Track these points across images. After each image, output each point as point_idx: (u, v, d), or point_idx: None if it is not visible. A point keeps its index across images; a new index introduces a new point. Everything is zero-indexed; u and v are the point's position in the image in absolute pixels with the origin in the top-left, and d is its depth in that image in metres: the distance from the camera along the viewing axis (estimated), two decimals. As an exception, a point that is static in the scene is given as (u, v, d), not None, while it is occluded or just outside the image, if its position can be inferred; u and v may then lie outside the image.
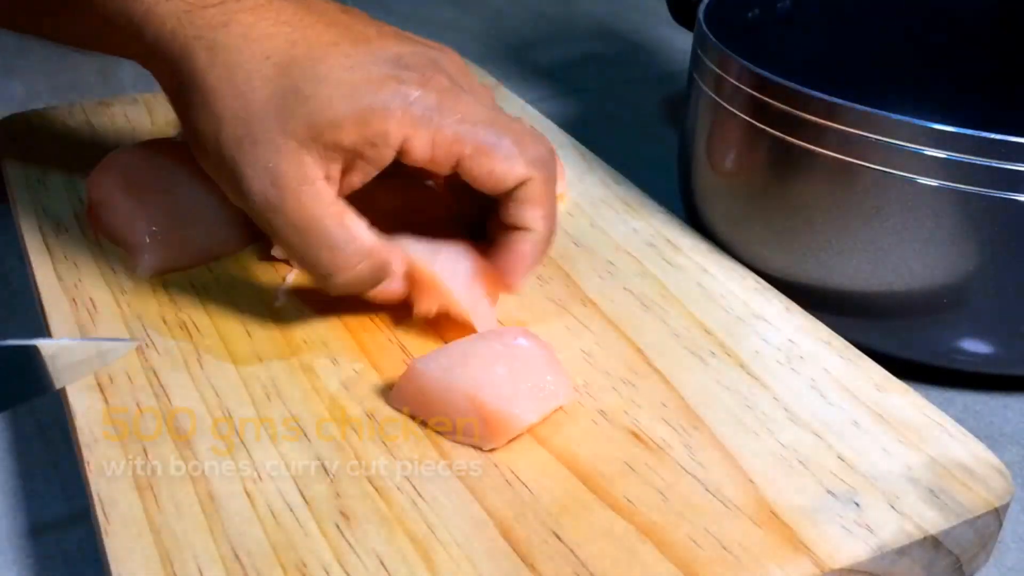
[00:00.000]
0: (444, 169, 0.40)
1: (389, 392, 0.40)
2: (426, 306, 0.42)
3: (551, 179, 0.41)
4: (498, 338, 0.40)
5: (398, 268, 0.42)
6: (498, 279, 0.43)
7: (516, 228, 0.42)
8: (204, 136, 0.39)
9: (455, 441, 0.38)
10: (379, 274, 0.41)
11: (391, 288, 0.42)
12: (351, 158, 0.39)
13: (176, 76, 0.39)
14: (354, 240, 0.39)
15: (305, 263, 0.40)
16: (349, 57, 0.38)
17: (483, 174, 0.40)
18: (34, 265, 0.47)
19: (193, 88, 0.39)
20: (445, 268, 0.42)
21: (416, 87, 0.38)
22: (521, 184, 0.40)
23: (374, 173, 0.40)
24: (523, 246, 0.42)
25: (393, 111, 0.38)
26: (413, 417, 0.39)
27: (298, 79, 0.38)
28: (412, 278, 0.42)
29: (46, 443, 0.43)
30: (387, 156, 0.39)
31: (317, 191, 0.38)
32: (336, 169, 0.39)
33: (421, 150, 0.39)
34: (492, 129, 0.40)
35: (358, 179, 0.40)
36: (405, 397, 0.39)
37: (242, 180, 0.39)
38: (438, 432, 0.38)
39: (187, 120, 0.40)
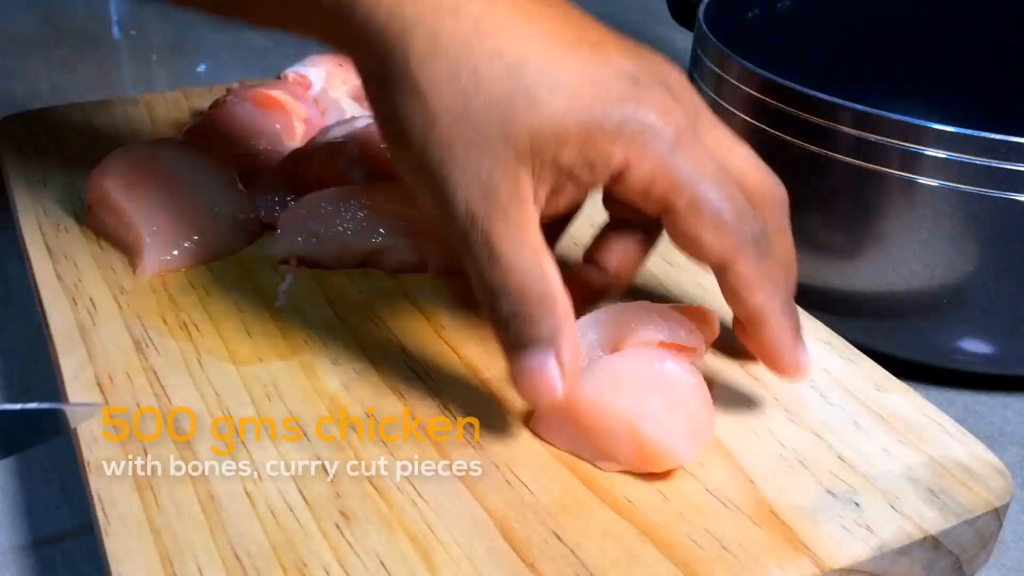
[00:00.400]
0: (651, 211, 0.36)
1: (388, 394, 0.40)
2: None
3: (763, 258, 0.36)
4: (643, 361, 0.37)
5: (571, 346, 0.35)
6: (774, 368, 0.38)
7: (751, 323, 0.37)
8: (409, 132, 0.35)
9: (600, 467, 0.37)
10: (550, 331, 0.35)
11: (548, 373, 0.35)
12: (563, 179, 0.35)
13: (384, 64, 0.35)
14: (546, 277, 0.35)
15: (483, 282, 0.35)
16: (587, 64, 0.35)
17: (689, 234, 0.35)
18: (34, 265, 0.47)
19: (404, 78, 0.34)
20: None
21: (655, 115, 0.34)
22: (728, 265, 0.36)
23: (580, 199, 0.37)
24: (766, 336, 0.37)
25: (625, 133, 0.34)
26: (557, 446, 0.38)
27: (531, 83, 0.34)
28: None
29: (46, 443, 0.43)
30: (601, 179, 0.35)
31: (526, 214, 0.34)
32: (544, 192, 0.35)
33: (638, 181, 0.35)
34: (717, 190, 0.35)
35: (563, 203, 0.36)
36: (549, 420, 0.38)
37: (446, 187, 0.34)
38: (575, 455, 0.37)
39: (388, 111, 0.36)
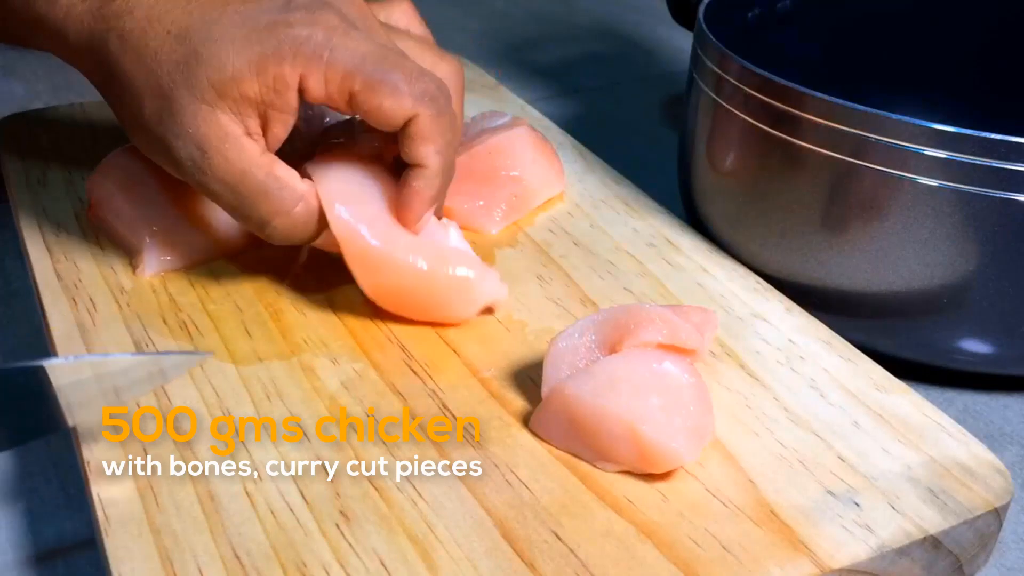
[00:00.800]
0: (342, 106, 0.41)
1: (388, 394, 0.40)
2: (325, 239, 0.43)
3: (441, 114, 0.41)
4: (642, 361, 0.38)
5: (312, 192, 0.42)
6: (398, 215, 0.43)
7: (411, 165, 0.42)
8: (133, 119, 0.41)
9: (600, 468, 0.37)
10: (311, 219, 0.42)
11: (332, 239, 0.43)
12: (263, 110, 0.40)
13: (99, 71, 0.42)
14: (285, 186, 0.41)
15: (242, 216, 0.42)
16: (239, 13, 0.40)
17: (373, 110, 0.40)
18: (34, 265, 0.47)
19: (113, 77, 0.41)
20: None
21: (304, 27, 0.40)
22: (410, 120, 0.41)
23: (291, 120, 0.41)
24: (415, 182, 0.42)
25: (284, 54, 0.39)
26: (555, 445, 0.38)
27: (196, 44, 0.40)
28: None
29: (46, 443, 0.43)
30: (292, 100, 0.40)
31: (241, 146, 0.40)
32: (254, 124, 0.40)
33: (316, 88, 0.40)
34: (382, 65, 0.40)
35: (280, 130, 0.41)
36: (549, 420, 0.38)
37: (171, 151, 0.41)
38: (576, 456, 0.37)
39: (117, 110, 0.43)
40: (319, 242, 0.44)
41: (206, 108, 0.40)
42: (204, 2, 0.41)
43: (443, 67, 0.45)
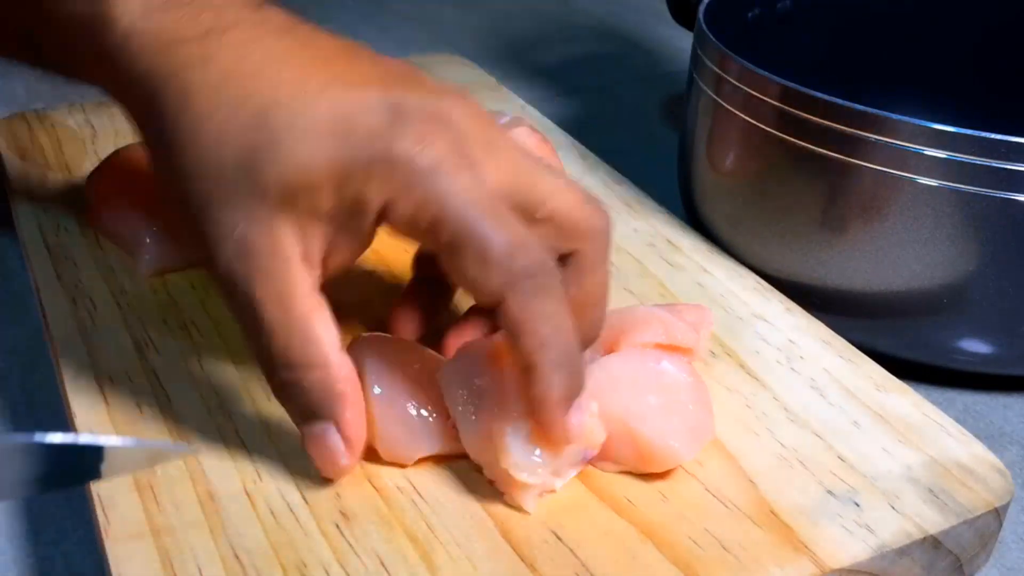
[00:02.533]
0: (428, 248, 0.34)
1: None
2: None
3: (540, 296, 0.32)
4: (640, 361, 0.37)
5: (352, 417, 0.34)
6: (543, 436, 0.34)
7: (522, 366, 0.33)
8: (173, 190, 0.34)
9: (599, 467, 0.36)
10: (325, 400, 0.33)
11: (331, 445, 0.34)
12: (333, 230, 0.33)
13: (147, 118, 0.34)
14: (313, 342, 0.33)
15: (250, 340, 0.34)
16: (340, 104, 0.32)
17: (454, 273, 0.33)
18: (34, 265, 0.47)
19: (161, 136, 0.34)
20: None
21: (410, 146, 0.32)
22: (499, 305, 0.32)
23: (360, 252, 0.35)
24: (532, 389, 0.33)
25: (374, 172, 0.32)
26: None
27: (276, 129, 0.32)
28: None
29: (46, 443, 0.43)
30: (365, 227, 0.33)
31: (290, 274, 0.33)
32: (317, 246, 0.33)
33: (402, 219, 0.32)
34: (479, 224, 0.32)
35: (344, 258, 0.34)
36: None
37: (207, 245, 0.33)
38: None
39: (154, 166, 0.35)
40: (313, 441, 0.34)
41: (264, 211, 0.32)
42: (300, 76, 0.33)
43: (582, 213, 0.35)
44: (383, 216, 0.33)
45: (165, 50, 0.33)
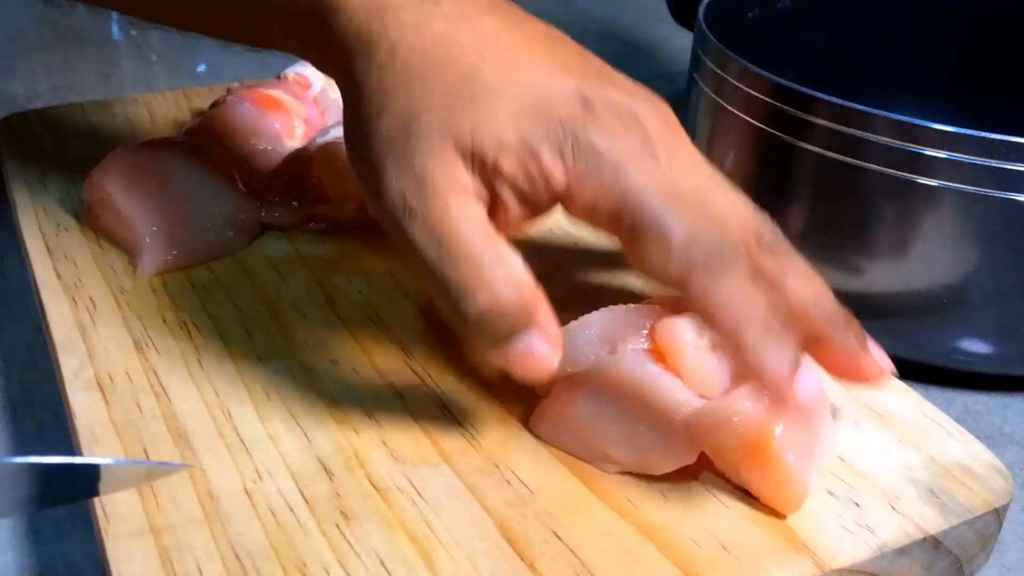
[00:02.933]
0: (608, 234, 0.35)
1: (388, 394, 0.40)
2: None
3: (722, 274, 0.33)
4: (641, 362, 0.37)
5: (552, 329, 0.35)
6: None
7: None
8: (358, 129, 0.35)
9: (599, 468, 0.37)
10: (526, 318, 0.34)
11: (538, 351, 0.34)
12: (505, 189, 0.34)
13: (349, 72, 0.36)
14: (504, 263, 0.33)
15: (439, 281, 0.34)
16: (540, 84, 0.34)
17: (634, 260, 0.34)
18: (34, 265, 0.47)
19: (364, 84, 0.35)
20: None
21: (600, 138, 0.33)
22: (684, 289, 0.33)
23: (526, 215, 0.35)
24: (749, 367, 0.33)
25: (565, 153, 0.34)
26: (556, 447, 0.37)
27: (479, 89, 0.34)
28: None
29: (46, 443, 0.43)
30: (542, 199, 0.35)
31: (468, 203, 0.34)
32: (485, 196, 0.34)
33: (581, 204, 0.34)
34: (664, 208, 0.33)
35: (511, 216, 0.35)
36: (548, 421, 0.37)
37: (383, 177, 0.34)
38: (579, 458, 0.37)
39: (347, 112, 0.36)
40: (517, 355, 0.35)
41: (451, 151, 0.33)
42: (505, 54, 0.35)
43: (751, 219, 0.35)
44: (564, 197, 0.34)
45: (378, 14, 0.35)
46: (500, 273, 0.33)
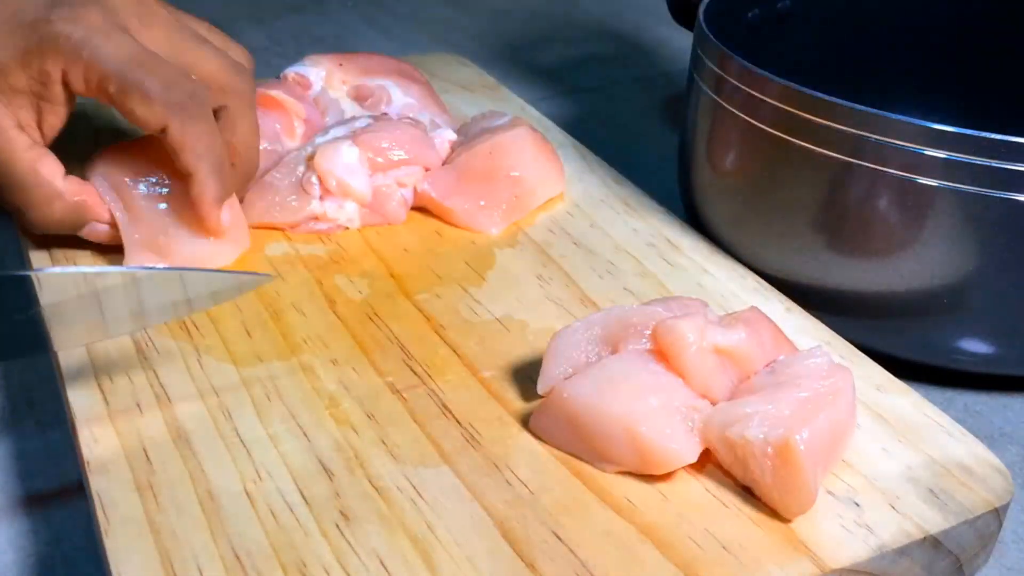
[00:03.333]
0: (108, 103, 0.43)
1: (388, 394, 0.40)
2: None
3: (195, 120, 0.43)
4: (641, 363, 0.37)
5: (102, 213, 0.45)
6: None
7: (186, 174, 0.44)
8: None
9: (599, 468, 0.37)
10: (77, 215, 0.45)
11: (98, 230, 0.46)
12: (35, 102, 0.43)
13: None
14: (43, 184, 0.43)
15: (5, 201, 0.44)
16: (7, 6, 0.42)
17: (128, 114, 0.43)
18: (34, 265, 0.47)
19: None
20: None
21: (65, 24, 0.41)
22: (163, 130, 0.43)
23: (65, 112, 0.44)
24: (191, 190, 0.44)
25: (45, 49, 0.41)
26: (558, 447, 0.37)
27: None
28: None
29: (46, 443, 0.43)
30: (59, 92, 0.43)
31: (8, 137, 0.42)
32: (27, 115, 0.43)
33: (77, 84, 0.42)
34: (137, 71, 0.42)
35: (54, 120, 0.44)
36: (548, 421, 0.38)
37: None
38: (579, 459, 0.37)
39: None
40: (85, 233, 0.46)
41: None
42: None
43: (234, 53, 0.48)
44: (66, 83, 0.42)
45: None
46: (42, 192, 0.43)
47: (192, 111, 0.43)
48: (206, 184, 0.44)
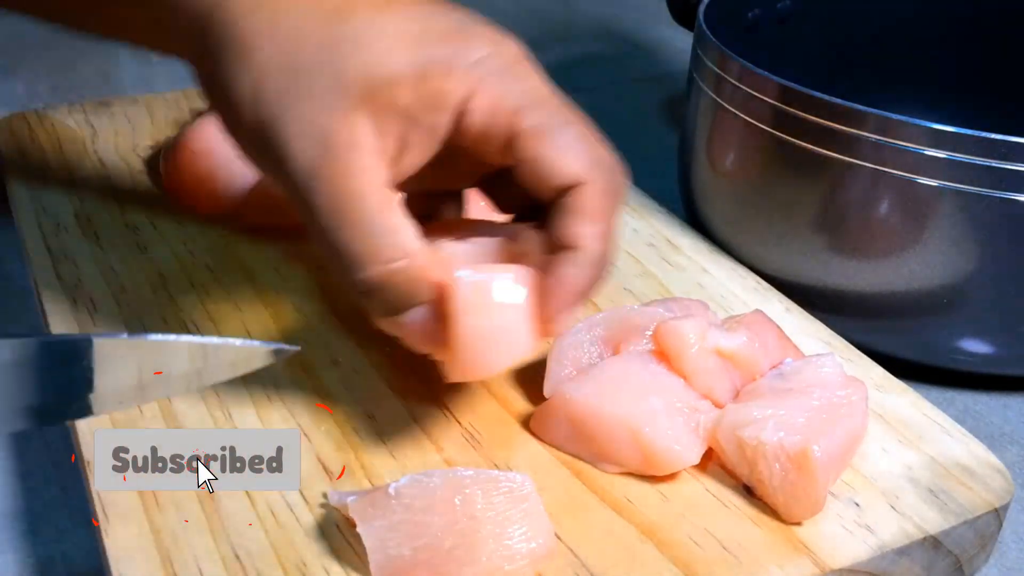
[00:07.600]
0: (495, 145, 0.34)
1: (388, 394, 0.40)
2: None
3: (612, 192, 0.35)
4: (643, 364, 0.37)
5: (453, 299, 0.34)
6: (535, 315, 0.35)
7: (561, 247, 0.35)
8: (239, 96, 0.33)
9: (600, 468, 0.37)
10: (415, 288, 0.34)
11: (421, 320, 0.34)
12: (406, 128, 0.34)
13: (205, 36, 0.34)
14: (396, 232, 0.33)
15: (331, 248, 0.33)
16: (411, 10, 0.34)
17: (531, 160, 0.34)
18: (34, 265, 0.47)
19: (227, 42, 0.33)
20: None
21: (485, 46, 0.34)
22: (573, 188, 0.34)
23: (433, 150, 0.35)
24: (565, 268, 0.34)
25: (455, 66, 0.33)
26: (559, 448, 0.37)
27: (357, 26, 0.33)
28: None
29: (46, 443, 0.43)
30: (443, 122, 0.34)
31: (366, 164, 0.33)
32: (391, 143, 0.34)
33: (480, 114, 0.34)
34: (559, 114, 0.35)
35: (417, 157, 0.34)
36: (549, 422, 0.37)
37: (282, 142, 0.32)
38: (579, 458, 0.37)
39: (217, 84, 0.34)
40: (403, 319, 0.35)
41: (346, 103, 0.32)
42: None
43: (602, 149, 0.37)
44: (462, 115, 0.34)
45: None
46: (391, 242, 0.33)
47: (615, 177, 0.35)
48: (587, 269, 0.34)
